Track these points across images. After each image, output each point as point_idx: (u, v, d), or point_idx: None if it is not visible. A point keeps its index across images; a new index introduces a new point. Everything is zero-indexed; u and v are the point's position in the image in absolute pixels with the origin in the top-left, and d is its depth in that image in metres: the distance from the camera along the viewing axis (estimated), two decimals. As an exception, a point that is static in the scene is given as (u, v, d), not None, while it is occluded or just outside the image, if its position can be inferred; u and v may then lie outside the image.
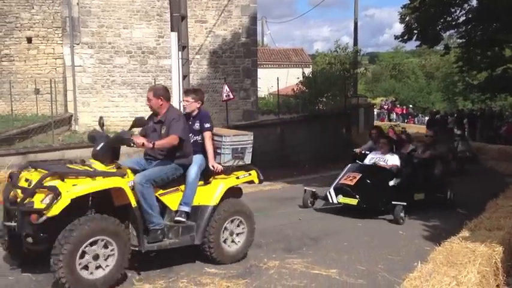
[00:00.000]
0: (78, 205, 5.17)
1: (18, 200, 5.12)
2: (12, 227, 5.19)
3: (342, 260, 6.77)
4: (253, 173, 6.73)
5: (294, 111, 22.04)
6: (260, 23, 43.43)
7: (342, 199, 9.50)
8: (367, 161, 10.61)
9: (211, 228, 6.10)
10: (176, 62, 12.94)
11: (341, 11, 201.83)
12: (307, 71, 27.66)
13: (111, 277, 5.28)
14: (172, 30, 12.99)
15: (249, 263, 6.42)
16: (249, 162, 6.71)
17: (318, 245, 7.55)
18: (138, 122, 6.43)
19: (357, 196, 9.39)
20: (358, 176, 9.84)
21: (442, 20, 22.41)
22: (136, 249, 5.61)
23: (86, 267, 5.13)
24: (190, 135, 6.33)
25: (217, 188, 6.27)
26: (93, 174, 5.32)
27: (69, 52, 18.64)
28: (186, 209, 6.06)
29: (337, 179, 10.21)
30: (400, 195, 9.33)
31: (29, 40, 19.63)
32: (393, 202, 9.15)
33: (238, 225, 6.43)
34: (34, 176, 5.28)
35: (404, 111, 45.78)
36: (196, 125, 6.45)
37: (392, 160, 10.24)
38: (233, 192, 6.56)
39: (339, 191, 9.68)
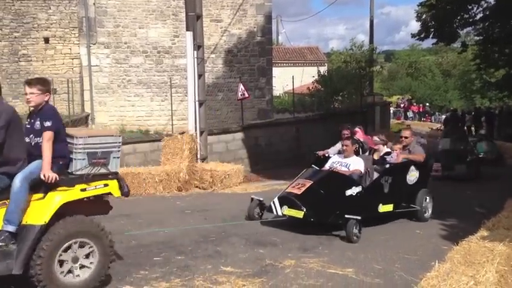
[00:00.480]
0: None
1: None
2: None
3: (358, 259, 6.73)
4: (112, 183, 5.39)
5: (310, 110, 22.01)
6: (275, 21, 43.45)
7: (286, 211, 8.04)
8: (327, 166, 9.08)
9: (39, 255, 4.83)
10: (191, 61, 13.02)
11: (356, 9, 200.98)
12: (323, 69, 27.63)
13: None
14: (187, 29, 13.07)
15: (264, 262, 6.39)
16: (116, 170, 5.45)
17: (334, 244, 7.51)
18: None
19: (303, 208, 7.90)
20: (309, 183, 8.33)
21: (459, 17, 22.23)
22: None
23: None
24: (31, 136, 5.19)
25: (51, 202, 4.97)
26: None
27: (85, 52, 18.86)
28: (10, 228, 4.83)
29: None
30: (359, 207, 8.02)
31: (46, 40, 19.82)
32: (346, 216, 7.68)
33: (83, 249, 5.11)
34: None
35: (421, 110, 45.48)
36: (37, 124, 5.18)
37: (355, 165, 8.73)
38: (89, 208, 5.38)
39: (284, 201, 8.21)
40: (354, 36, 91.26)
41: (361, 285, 5.77)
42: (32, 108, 5.35)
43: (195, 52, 13.00)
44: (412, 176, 9.30)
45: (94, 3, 18.73)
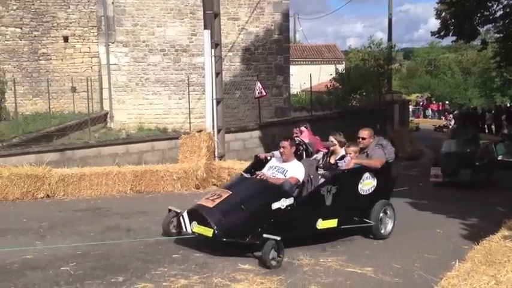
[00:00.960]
0: None
1: None
2: None
3: (377, 258, 6.69)
4: None
5: (327, 108, 21.92)
6: (292, 19, 43.22)
7: (196, 228, 6.57)
8: (264, 171, 7.62)
9: None
10: (209, 60, 13.05)
11: (375, 7, 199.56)
12: (340, 67, 27.48)
13: None
14: (205, 28, 13.09)
15: (283, 260, 6.39)
16: None
17: (352, 243, 7.48)
18: None
19: (213, 225, 6.42)
20: (226, 194, 6.86)
21: (478, 15, 21.96)
22: None
23: None
24: None
25: None
26: None
27: (104, 51, 19.02)
28: None
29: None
30: (289, 223, 6.80)
31: (66, 39, 20.03)
32: (264, 235, 6.23)
33: None
34: None
35: (440, 108, 45.02)
36: None
37: (293, 171, 7.28)
38: None
39: (194, 215, 6.72)
40: (372, 34, 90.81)
41: (380, 285, 5.73)
42: None
43: (213, 50, 13.03)
44: (367, 185, 7.70)
45: (113, 2, 18.87)
